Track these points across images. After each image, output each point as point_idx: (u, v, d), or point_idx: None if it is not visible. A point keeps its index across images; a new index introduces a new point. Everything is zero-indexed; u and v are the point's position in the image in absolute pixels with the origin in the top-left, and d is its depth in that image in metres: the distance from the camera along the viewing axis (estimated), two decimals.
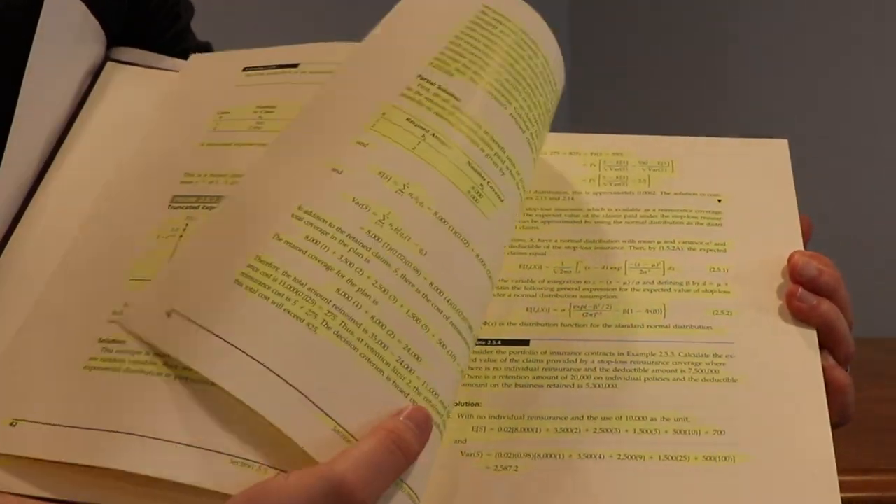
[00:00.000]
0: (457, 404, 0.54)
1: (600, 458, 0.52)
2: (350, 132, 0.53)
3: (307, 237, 0.49)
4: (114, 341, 0.49)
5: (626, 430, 0.52)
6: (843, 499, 0.48)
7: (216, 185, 0.55)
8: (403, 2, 0.59)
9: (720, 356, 0.55)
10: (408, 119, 0.53)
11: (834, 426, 0.54)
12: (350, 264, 0.49)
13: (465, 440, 0.53)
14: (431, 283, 0.50)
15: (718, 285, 0.58)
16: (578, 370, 0.55)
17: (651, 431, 0.52)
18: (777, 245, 0.60)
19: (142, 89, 0.62)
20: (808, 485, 0.51)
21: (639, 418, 0.53)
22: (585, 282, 0.59)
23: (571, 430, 0.53)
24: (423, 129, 0.53)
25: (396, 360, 0.48)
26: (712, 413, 0.53)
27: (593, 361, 0.55)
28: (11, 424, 0.47)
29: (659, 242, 0.60)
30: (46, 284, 0.53)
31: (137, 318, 0.49)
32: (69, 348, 0.49)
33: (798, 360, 0.55)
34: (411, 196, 0.51)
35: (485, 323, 0.57)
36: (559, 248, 0.60)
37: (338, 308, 0.47)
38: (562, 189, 0.63)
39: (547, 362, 0.55)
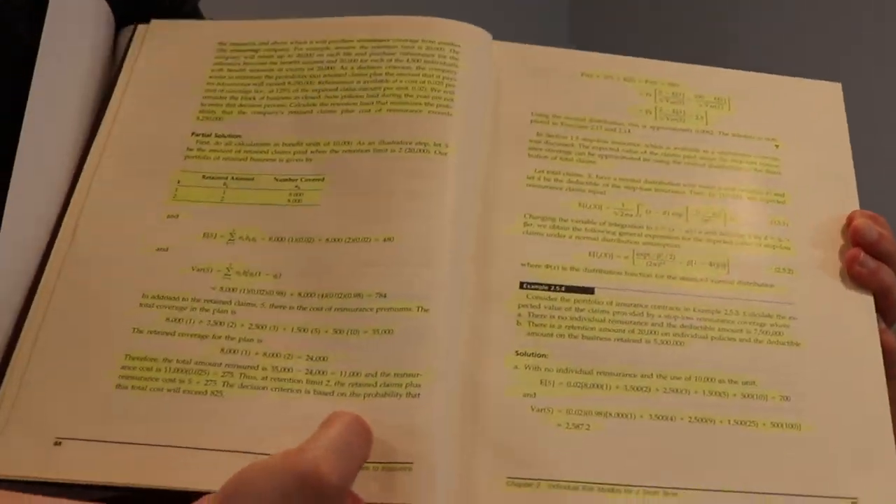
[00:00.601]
0: (523, 354, 0.52)
1: (672, 420, 0.51)
2: (156, 208, 0.55)
3: (168, 319, 0.52)
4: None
5: (697, 392, 0.52)
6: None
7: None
8: (134, 77, 0.60)
9: (784, 317, 0.55)
10: (203, 176, 0.56)
11: None
12: (220, 324, 0.52)
13: (535, 394, 0.51)
14: (299, 294, 0.52)
15: (780, 240, 0.57)
16: (645, 324, 0.53)
17: (720, 394, 0.52)
18: (835, 199, 0.59)
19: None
20: (868, 454, 0.51)
21: (708, 379, 0.52)
22: (647, 227, 0.57)
23: (642, 389, 0.52)
24: (221, 178, 0.56)
25: (305, 373, 0.50)
26: (777, 378, 0.53)
27: (660, 316, 0.54)
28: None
29: (720, 189, 0.59)
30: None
31: (15, 460, 0.48)
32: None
33: (858, 326, 0.55)
34: (242, 238, 0.54)
35: (547, 266, 0.55)
36: (618, 187, 0.58)
37: (230, 365, 0.50)
38: (618, 120, 0.61)
39: (613, 314, 0.54)
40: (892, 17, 2.03)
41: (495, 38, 0.62)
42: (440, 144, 0.56)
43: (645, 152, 0.60)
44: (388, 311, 0.51)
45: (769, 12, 2.19)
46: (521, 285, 0.54)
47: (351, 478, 0.44)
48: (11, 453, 0.48)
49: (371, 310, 0.51)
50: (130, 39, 0.62)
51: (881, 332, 0.56)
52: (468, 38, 0.60)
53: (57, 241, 0.54)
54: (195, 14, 0.69)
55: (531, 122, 0.60)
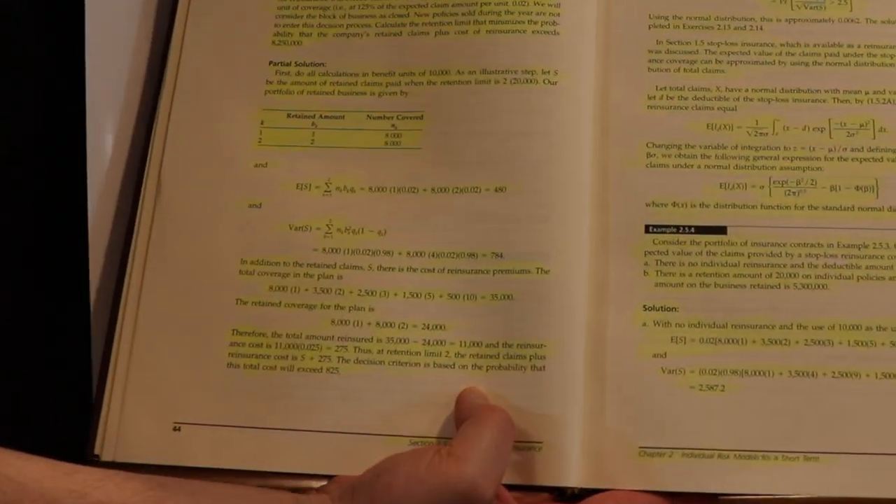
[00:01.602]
0: (651, 309, 0.49)
1: (813, 375, 0.48)
2: (242, 157, 0.51)
3: (271, 287, 0.49)
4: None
5: (841, 343, 0.48)
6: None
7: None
8: (197, 5, 0.54)
9: None
10: (288, 115, 0.52)
11: None
12: (327, 291, 0.49)
13: (665, 354, 0.48)
14: (408, 253, 0.49)
15: None
16: (784, 266, 0.49)
17: (867, 344, 0.48)
18: None
19: None
20: None
21: (853, 327, 0.48)
22: (785, 148, 0.51)
23: (781, 342, 0.48)
24: (308, 116, 0.52)
25: (423, 344, 0.48)
26: None
27: (800, 256, 0.49)
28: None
29: (867, 93, 0.52)
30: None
31: (137, 445, 0.47)
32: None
33: None
34: (339, 189, 0.50)
35: (674, 204, 0.50)
36: (751, 100, 0.52)
37: (343, 338, 0.48)
38: (748, 15, 0.54)
39: (748, 255, 0.50)
40: None
41: None
42: (549, 72, 0.51)
43: (780, 53, 0.53)
44: (506, 273, 0.48)
45: None
46: (647, 229, 0.50)
47: (500, 483, 0.43)
48: (133, 439, 0.48)
49: (488, 272, 0.49)
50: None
51: None
52: None
53: (141, 201, 0.51)
54: None
55: (649, 27, 0.54)
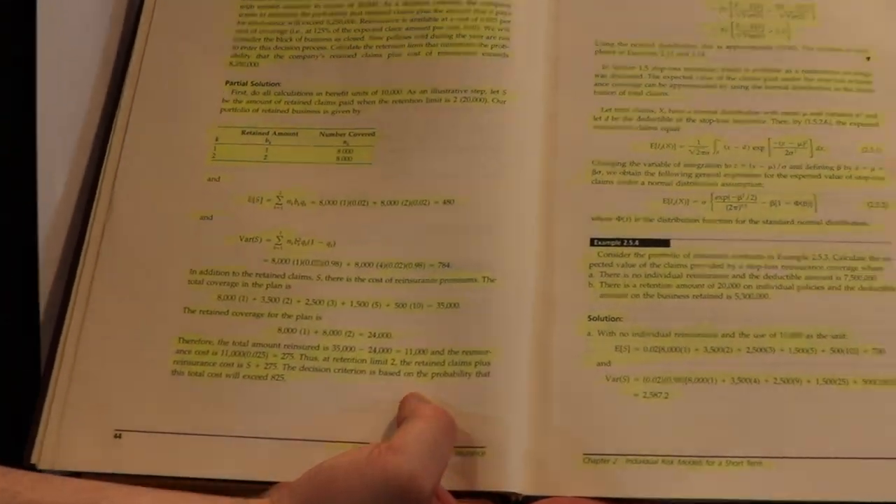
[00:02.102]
0: (597, 319, 0.50)
1: (755, 382, 0.48)
2: (196, 171, 0.52)
3: (219, 297, 0.49)
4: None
5: (782, 350, 0.49)
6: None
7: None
8: (156, 20, 0.56)
9: (877, 258, 0.51)
10: (243, 132, 0.53)
11: None
12: (276, 300, 0.49)
13: (610, 362, 0.49)
14: (356, 264, 0.50)
15: (872, 170, 0.53)
16: (726, 277, 0.50)
17: (807, 351, 0.49)
18: None
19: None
20: None
21: (794, 335, 0.49)
22: (726, 165, 0.53)
23: (723, 350, 0.49)
24: (262, 133, 0.53)
25: (369, 352, 0.48)
26: (870, 328, 0.49)
27: (741, 267, 0.50)
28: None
29: (805, 115, 0.54)
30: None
31: (75, 453, 0.47)
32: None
33: None
34: (291, 202, 0.51)
35: (618, 218, 0.52)
36: (693, 120, 0.54)
37: (290, 346, 0.48)
38: (691, 42, 0.56)
39: (691, 267, 0.50)
40: None
41: None
42: (498, 91, 0.53)
43: (721, 78, 0.55)
44: (453, 282, 0.49)
45: None
46: (592, 242, 0.51)
47: (440, 479, 0.43)
48: (72, 447, 0.47)
49: (434, 281, 0.49)
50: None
51: None
52: None
53: (98, 211, 0.51)
54: None
55: (596, 53, 0.56)
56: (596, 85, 0.55)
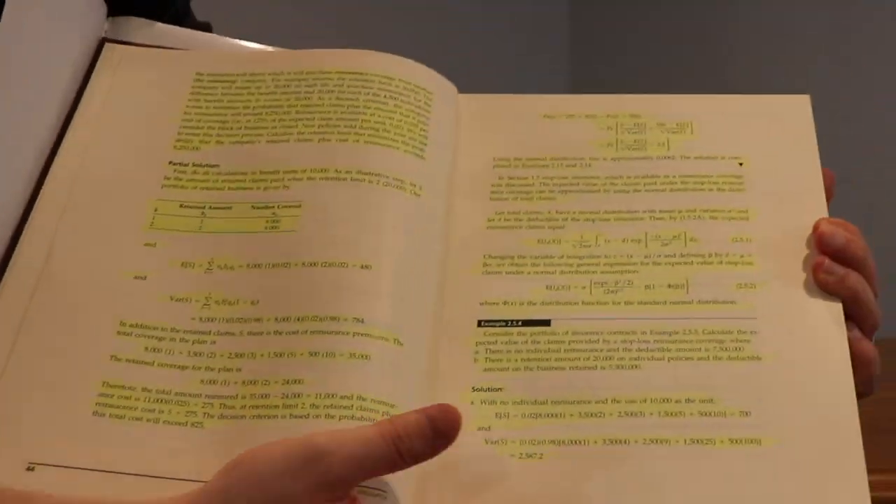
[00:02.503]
0: (479, 390, 0.53)
1: (625, 443, 0.51)
2: (133, 236, 0.56)
3: (146, 348, 0.53)
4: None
5: (652, 414, 0.52)
6: None
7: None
8: (109, 102, 0.61)
9: (744, 332, 0.54)
10: (181, 205, 0.57)
11: (859, 396, 0.54)
12: (200, 354, 0.53)
13: (489, 427, 0.52)
14: (276, 319, 0.53)
15: (741, 256, 0.57)
16: (601, 350, 0.54)
17: (676, 414, 0.52)
18: (801, 211, 0.58)
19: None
20: (835, 465, 0.50)
21: (664, 400, 0.52)
22: (605, 256, 0.58)
23: (596, 415, 0.52)
24: (199, 206, 0.57)
25: (281, 398, 0.51)
26: (737, 393, 0.52)
27: (616, 341, 0.54)
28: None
29: (680, 212, 0.59)
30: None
31: None
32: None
33: (824, 334, 0.54)
34: (220, 267, 0.55)
35: (504, 303, 0.56)
36: (577, 220, 0.59)
37: (210, 396, 0.51)
38: (578, 155, 0.62)
39: (569, 343, 0.54)
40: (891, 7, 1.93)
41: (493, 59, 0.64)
42: (415, 185, 0.58)
43: (605, 184, 0.60)
44: (366, 336, 0.52)
45: (769, 12, 2.12)
46: (479, 323, 0.56)
47: (360, 477, 0.46)
48: None
49: (348, 333, 0.52)
50: (96, 56, 0.62)
51: (858, 341, 0.55)
52: (439, 86, 0.63)
53: (22, 259, 0.54)
54: (186, 12, 0.70)
55: (494, 167, 0.62)
56: (492, 193, 0.61)
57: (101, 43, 0.63)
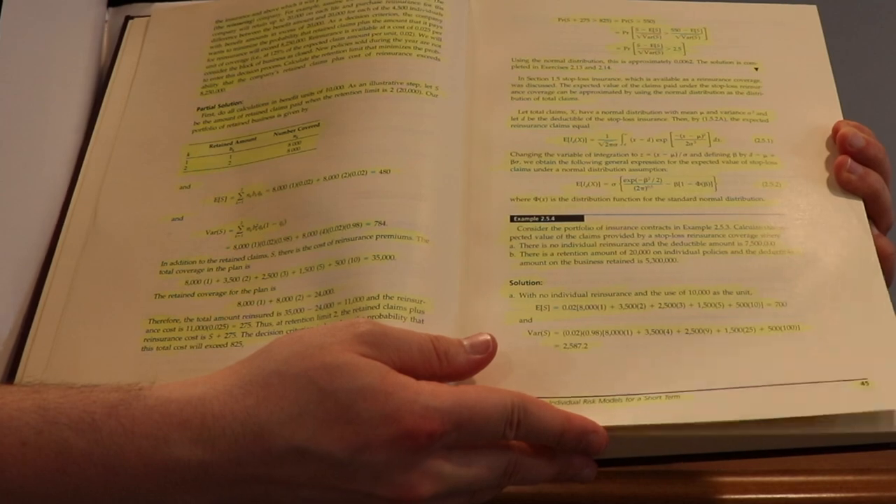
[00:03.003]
0: (518, 283, 0.53)
1: (668, 332, 0.51)
2: (170, 182, 0.58)
3: (187, 282, 0.54)
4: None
5: (691, 305, 0.52)
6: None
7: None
8: (140, 65, 0.64)
9: (774, 228, 0.55)
10: (210, 146, 0.59)
11: None
12: (236, 279, 0.54)
13: (531, 319, 0.52)
14: (303, 235, 0.54)
15: (765, 156, 0.58)
16: (637, 245, 0.54)
17: (715, 305, 0.52)
18: (817, 113, 0.60)
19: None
20: (874, 341, 0.51)
21: (702, 292, 0.53)
22: (633, 154, 0.58)
23: (637, 306, 0.52)
24: (227, 144, 0.59)
25: (315, 309, 0.51)
26: (772, 285, 0.53)
27: (650, 236, 0.54)
28: None
29: (702, 113, 0.59)
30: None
31: None
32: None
33: (850, 230, 0.55)
34: (249, 196, 0.56)
35: (535, 199, 0.56)
36: (601, 119, 0.59)
37: (248, 316, 0.52)
38: (597, 58, 0.62)
39: (604, 237, 0.54)
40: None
41: None
42: (431, 86, 0.58)
43: (626, 85, 0.61)
44: (389, 237, 0.52)
45: None
46: (512, 219, 0.55)
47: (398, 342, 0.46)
48: None
49: (371, 237, 0.52)
50: (124, 28, 0.65)
51: (876, 238, 0.56)
52: None
53: (74, 221, 0.57)
54: None
55: (512, 67, 0.61)
56: (513, 92, 0.60)
57: (126, 20, 0.66)
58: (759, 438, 0.49)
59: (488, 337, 0.49)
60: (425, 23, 0.60)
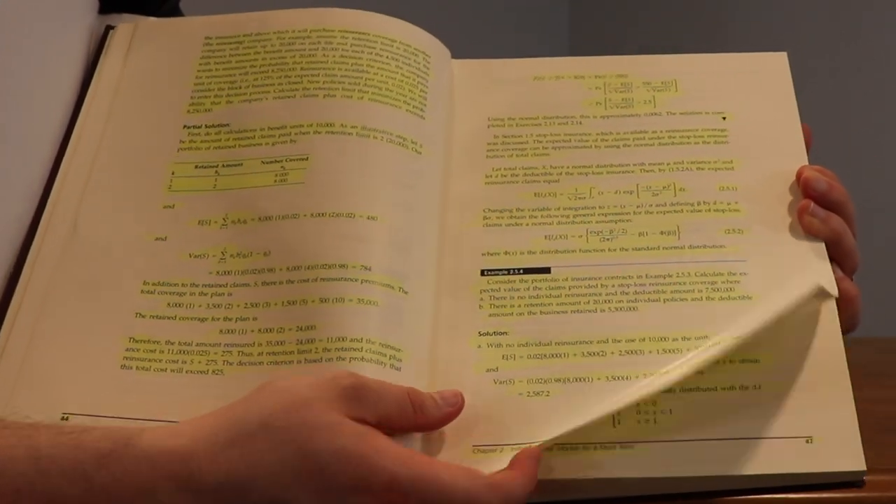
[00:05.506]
0: (486, 334, 0.56)
1: (626, 379, 0.54)
2: (153, 200, 0.59)
3: (169, 304, 0.55)
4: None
5: (650, 351, 0.55)
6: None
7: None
8: (126, 76, 0.64)
9: (735, 274, 0.57)
10: (196, 166, 0.60)
11: (845, 332, 0.57)
12: (218, 306, 0.55)
13: (497, 368, 0.55)
14: (287, 268, 0.55)
15: (728, 204, 0.60)
16: (600, 295, 0.57)
17: (673, 351, 0.55)
18: (783, 160, 0.61)
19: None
20: (823, 394, 0.53)
21: (661, 339, 0.55)
22: (600, 207, 0.60)
23: (598, 354, 0.55)
24: (212, 166, 0.60)
25: (296, 344, 0.53)
26: (730, 330, 0.55)
27: (613, 285, 0.57)
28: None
29: (668, 164, 0.62)
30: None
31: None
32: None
33: (812, 274, 0.57)
34: (234, 222, 0.58)
35: (505, 253, 0.59)
36: (571, 174, 0.62)
37: (229, 344, 0.54)
38: (570, 114, 0.65)
39: (569, 288, 0.57)
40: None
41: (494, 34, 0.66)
42: (416, 143, 0.61)
43: (596, 140, 0.63)
44: (373, 283, 0.55)
45: (768, 12, 2.17)
46: (482, 272, 0.58)
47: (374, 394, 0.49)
48: None
49: (356, 280, 0.55)
50: (104, 37, 0.65)
51: (841, 280, 0.58)
52: (436, 50, 0.66)
53: (52, 228, 0.57)
54: (175, 13, 0.72)
55: (488, 126, 0.64)
56: (488, 151, 0.63)
57: (107, 29, 0.66)
58: (712, 480, 0.51)
59: (458, 391, 0.52)
60: (414, 79, 0.63)
